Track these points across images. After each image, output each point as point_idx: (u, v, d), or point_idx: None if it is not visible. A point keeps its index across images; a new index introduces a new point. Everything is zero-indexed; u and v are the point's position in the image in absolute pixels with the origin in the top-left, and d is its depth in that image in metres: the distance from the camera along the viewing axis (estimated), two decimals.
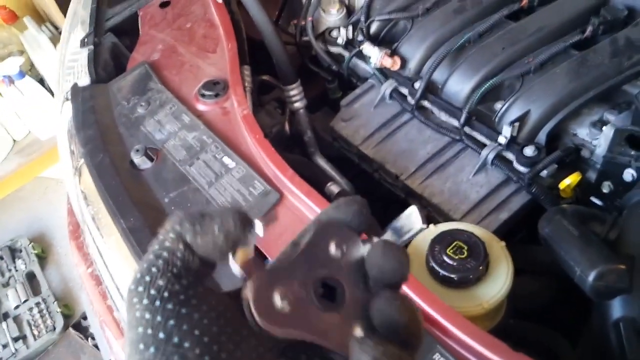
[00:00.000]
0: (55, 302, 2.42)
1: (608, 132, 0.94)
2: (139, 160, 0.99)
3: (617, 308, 0.75)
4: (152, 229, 0.89)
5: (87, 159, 1.03)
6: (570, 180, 0.94)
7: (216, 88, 1.08)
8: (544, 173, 0.97)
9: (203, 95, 1.07)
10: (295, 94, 1.26)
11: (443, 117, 1.11)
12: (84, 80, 1.21)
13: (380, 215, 1.18)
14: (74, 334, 2.36)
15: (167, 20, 1.29)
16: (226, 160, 0.95)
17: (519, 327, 0.90)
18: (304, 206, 0.89)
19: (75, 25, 1.39)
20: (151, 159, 1.00)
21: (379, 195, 1.18)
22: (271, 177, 0.94)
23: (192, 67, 1.15)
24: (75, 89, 1.18)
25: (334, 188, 1.16)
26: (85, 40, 1.28)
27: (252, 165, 0.95)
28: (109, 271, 0.98)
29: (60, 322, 2.36)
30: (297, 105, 1.27)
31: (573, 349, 0.88)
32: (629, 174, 0.89)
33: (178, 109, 1.07)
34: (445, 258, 0.78)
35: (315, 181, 1.18)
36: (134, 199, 0.94)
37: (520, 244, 1.00)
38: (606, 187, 0.94)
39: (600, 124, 0.97)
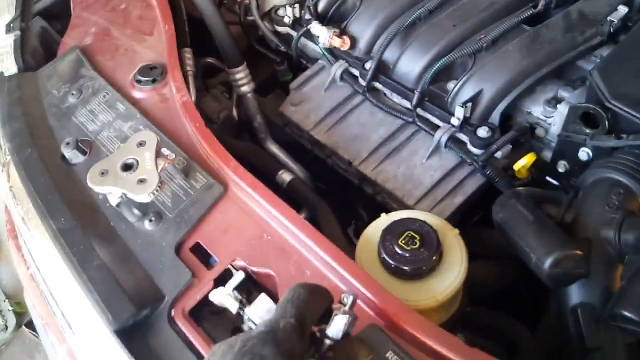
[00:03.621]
0: (7, 301, 2.32)
1: (562, 109, 0.91)
2: (70, 154, 0.92)
3: (574, 294, 0.73)
4: (85, 230, 0.82)
5: (14, 155, 0.95)
6: (524, 161, 0.91)
7: (153, 73, 1.00)
8: (499, 154, 0.94)
9: (139, 82, 1.00)
10: (242, 77, 1.19)
11: (395, 98, 1.07)
12: (11, 69, 1.12)
13: (339, 199, 1.15)
14: (27, 333, 2.26)
15: (100, 1, 1.20)
16: (165, 151, 0.89)
17: (476, 315, 0.87)
18: (249, 199, 0.84)
19: (3, 10, 1.29)
20: (84, 152, 0.93)
21: (336, 180, 1.13)
22: (214, 168, 0.88)
23: (127, 51, 1.08)
24: (0, 79, 1.09)
25: (285, 176, 1.11)
26: (11, 25, 1.18)
27: (193, 156, 0.89)
28: (42, 276, 0.91)
29: (12, 321, 2.27)
30: (243, 89, 1.21)
31: (533, 334, 0.86)
32: (584, 153, 0.86)
33: (112, 97, 0.99)
34: (397, 249, 0.74)
35: (266, 169, 1.13)
36: (65, 197, 0.87)
37: (476, 228, 0.97)
38: (562, 166, 0.92)
39: (555, 101, 0.94)
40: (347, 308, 0.59)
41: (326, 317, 0.60)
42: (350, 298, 0.60)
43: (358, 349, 0.59)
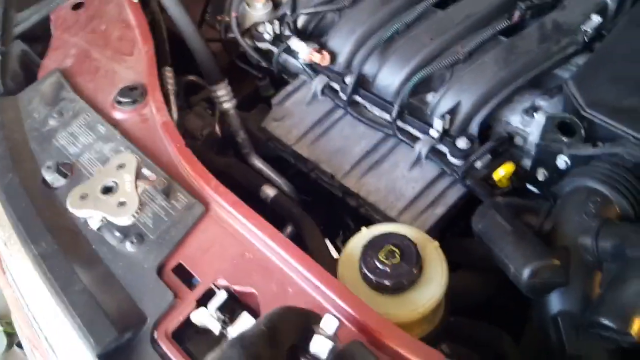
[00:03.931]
0: None
1: (540, 119, 0.92)
2: (51, 177, 0.92)
3: (554, 303, 0.73)
4: (67, 254, 0.82)
5: None
6: (504, 171, 0.92)
7: (133, 94, 1.00)
8: (478, 164, 0.95)
9: (120, 103, 1.00)
10: (223, 94, 1.20)
11: (376, 111, 1.07)
12: None
13: (326, 211, 1.15)
14: (19, 353, 2.24)
15: (80, 23, 1.20)
16: (145, 172, 0.89)
17: (460, 326, 0.87)
18: (230, 217, 0.84)
19: None
20: (65, 176, 0.92)
21: (321, 192, 1.14)
22: (195, 188, 0.88)
23: (108, 72, 1.08)
24: None
25: (269, 191, 1.11)
26: None
27: (175, 176, 0.89)
28: (25, 301, 0.90)
29: (3, 341, 2.25)
30: (226, 105, 1.21)
31: (517, 344, 0.86)
32: (562, 162, 0.87)
33: (93, 119, 0.99)
34: (378, 264, 0.74)
35: (250, 185, 1.14)
36: (47, 221, 0.86)
37: (458, 238, 0.97)
38: (541, 174, 0.93)
39: (532, 110, 0.95)
40: (330, 333, 0.60)
41: (308, 336, 0.60)
42: (335, 323, 0.61)
43: None
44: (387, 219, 0.96)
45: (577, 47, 0.98)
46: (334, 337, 0.59)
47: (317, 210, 1.18)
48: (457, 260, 0.89)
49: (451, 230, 1.00)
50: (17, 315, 1.17)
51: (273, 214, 1.13)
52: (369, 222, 0.93)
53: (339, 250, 1.17)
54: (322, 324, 0.60)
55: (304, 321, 0.60)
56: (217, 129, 1.25)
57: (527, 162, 0.96)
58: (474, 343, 0.87)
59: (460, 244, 0.96)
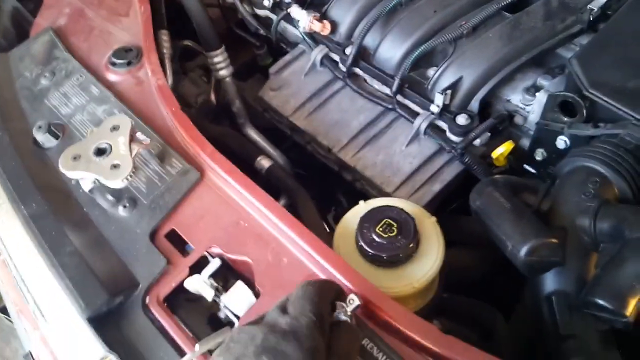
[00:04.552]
0: None
1: (541, 98, 0.91)
2: (43, 137, 0.90)
3: (549, 282, 0.73)
4: (57, 216, 0.80)
5: None
6: (502, 149, 0.91)
7: (128, 55, 0.98)
8: (477, 142, 0.94)
9: (114, 64, 0.98)
10: (220, 60, 1.17)
11: (376, 84, 1.06)
12: None
13: (319, 186, 1.14)
14: (3, 318, 2.23)
15: None
16: (139, 136, 0.87)
17: (452, 301, 0.87)
18: (226, 185, 0.83)
19: None
20: (56, 136, 0.91)
21: (315, 166, 1.12)
22: (190, 153, 0.87)
23: (102, 32, 1.05)
24: None
25: (264, 162, 1.10)
26: None
27: (169, 141, 0.88)
28: (14, 262, 0.89)
29: None
30: (222, 73, 1.19)
31: (508, 321, 0.87)
32: (561, 142, 0.87)
33: (86, 80, 0.97)
34: (375, 236, 0.74)
35: (245, 155, 1.12)
36: (37, 182, 0.85)
37: (454, 215, 0.97)
38: (539, 154, 0.92)
39: (534, 89, 0.94)
40: (349, 311, 0.61)
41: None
42: (356, 302, 0.62)
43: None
44: (383, 194, 0.96)
45: (581, 26, 0.97)
46: (350, 317, 0.61)
47: (310, 185, 1.17)
48: (453, 238, 0.88)
49: (447, 208, 0.99)
50: (3, 279, 1.16)
51: (267, 186, 1.12)
52: (363, 198, 0.93)
53: (330, 227, 1.17)
54: (347, 301, 0.63)
55: (334, 296, 0.61)
56: (212, 96, 1.23)
57: (526, 142, 0.95)
58: (466, 320, 0.87)
59: (457, 221, 0.95)
